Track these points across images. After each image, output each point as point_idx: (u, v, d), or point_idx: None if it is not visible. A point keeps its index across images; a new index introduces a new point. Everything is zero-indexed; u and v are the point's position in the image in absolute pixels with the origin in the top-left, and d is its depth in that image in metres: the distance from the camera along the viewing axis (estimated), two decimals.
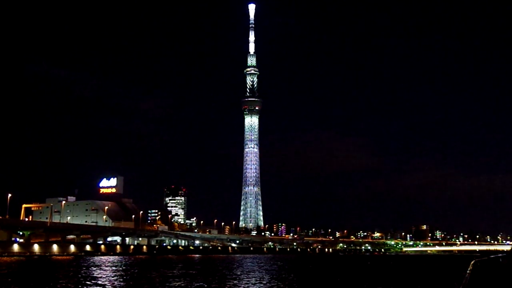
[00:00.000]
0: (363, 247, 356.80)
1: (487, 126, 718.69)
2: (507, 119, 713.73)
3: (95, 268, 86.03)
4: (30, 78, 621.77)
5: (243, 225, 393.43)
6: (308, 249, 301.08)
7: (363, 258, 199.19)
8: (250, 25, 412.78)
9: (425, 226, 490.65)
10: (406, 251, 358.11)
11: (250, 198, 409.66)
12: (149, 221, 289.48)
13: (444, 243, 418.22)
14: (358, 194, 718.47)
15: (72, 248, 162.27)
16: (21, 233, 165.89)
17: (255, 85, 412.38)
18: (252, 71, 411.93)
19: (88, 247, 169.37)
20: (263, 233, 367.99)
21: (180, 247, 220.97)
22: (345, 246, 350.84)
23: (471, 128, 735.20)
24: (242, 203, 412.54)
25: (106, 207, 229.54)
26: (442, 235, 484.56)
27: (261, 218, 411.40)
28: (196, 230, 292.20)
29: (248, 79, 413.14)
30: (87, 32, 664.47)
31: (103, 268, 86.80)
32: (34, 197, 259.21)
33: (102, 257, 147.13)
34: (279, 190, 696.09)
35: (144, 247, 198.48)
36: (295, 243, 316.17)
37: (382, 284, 65.04)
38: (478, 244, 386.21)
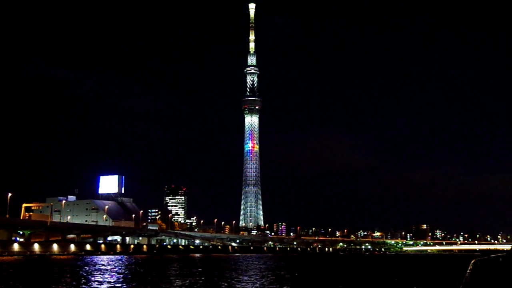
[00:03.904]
0: (363, 247, 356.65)
1: (487, 126, 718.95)
2: (507, 119, 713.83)
3: (95, 267, 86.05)
4: (30, 78, 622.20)
5: (243, 224, 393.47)
6: (308, 249, 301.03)
7: (363, 258, 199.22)
8: (250, 25, 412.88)
9: (425, 225, 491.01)
10: (406, 250, 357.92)
11: (250, 198, 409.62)
12: (149, 221, 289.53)
13: (444, 243, 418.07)
14: (358, 194, 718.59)
15: (72, 247, 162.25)
16: (21, 232, 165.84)
17: (255, 85, 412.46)
18: (252, 71, 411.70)
19: (88, 247, 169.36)
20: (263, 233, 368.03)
21: (180, 247, 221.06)
22: (345, 246, 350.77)
23: (471, 128, 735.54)
24: (242, 203, 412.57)
25: (106, 207, 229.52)
26: (442, 234, 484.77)
27: (261, 217, 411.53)
28: (196, 230, 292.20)
29: (248, 79, 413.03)
30: (87, 32, 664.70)
31: (103, 267, 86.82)
32: (34, 197, 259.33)
33: (102, 256, 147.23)
34: (279, 189, 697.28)
35: (144, 246, 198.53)
36: (295, 243, 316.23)
37: (382, 283, 65.02)
38: (478, 244, 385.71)
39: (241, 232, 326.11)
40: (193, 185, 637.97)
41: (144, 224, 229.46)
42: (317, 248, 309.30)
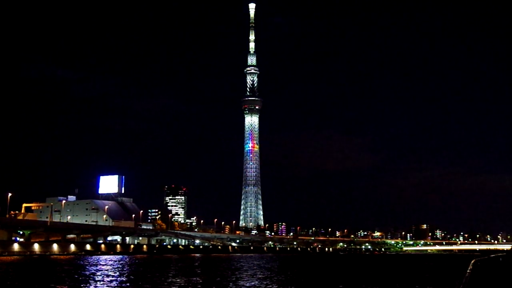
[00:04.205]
0: (363, 247, 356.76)
1: (487, 126, 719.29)
2: (507, 119, 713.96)
3: (95, 268, 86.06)
4: (30, 78, 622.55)
5: (243, 224, 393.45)
6: (308, 249, 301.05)
7: (363, 257, 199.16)
8: (250, 25, 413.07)
9: (425, 225, 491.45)
10: (406, 250, 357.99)
11: (250, 198, 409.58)
12: (149, 221, 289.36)
13: (444, 243, 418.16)
14: (358, 194, 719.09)
15: (72, 247, 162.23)
16: (21, 232, 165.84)
17: (255, 85, 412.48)
18: (252, 71, 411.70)
19: (88, 246, 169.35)
20: (263, 233, 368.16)
21: (180, 247, 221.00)
22: (345, 246, 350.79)
23: (471, 128, 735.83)
24: (242, 203, 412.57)
25: (106, 207, 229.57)
26: (442, 234, 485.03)
27: (261, 217, 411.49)
28: (196, 230, 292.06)
29: (248, 79, 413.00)
30: (87, 32, 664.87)
31: (103, 267, 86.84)
32: (34, 197, 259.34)
33: (102, 256, 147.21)
34: (279, 189, 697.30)
35: (144, 246, 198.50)
36: (295, 242, 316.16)
37: (382, 283, 65.01)
38: (478, 244, 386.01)
39: (236, 231, 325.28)
40: (193, 185, 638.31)
41: (139, 224, 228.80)
42: (317, 248, 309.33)
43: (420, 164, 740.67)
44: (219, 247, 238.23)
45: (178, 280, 62.84)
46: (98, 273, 71.69)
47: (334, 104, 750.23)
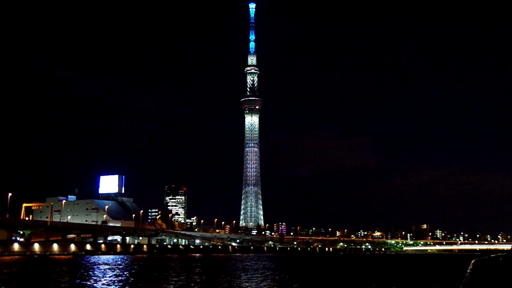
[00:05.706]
0: (363, 246, 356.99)
1: (487, 125, 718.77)
2: (507, 119, 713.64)
3: (95, 267, 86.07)
4: (30, 78, 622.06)
5: (244, 224, 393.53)
6: (309, 248, 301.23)
7: (364, 257, 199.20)
8: (251, 25, 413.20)
9: (425, 225, 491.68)
10: (406, 250, 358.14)
11: (250, 198, 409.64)
12: (149, 220, 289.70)
13: (444, 242, 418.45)
14: (358, 194, 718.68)
15: (73, 247, 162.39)
16: (21, 232, 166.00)
17: (256, 84, 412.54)
18: (253, 70, 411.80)
19: (88, 246, 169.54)
20: (263, 232, 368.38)
21: (180, 246, 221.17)
22: (345, 245, 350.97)
23: (472, 128, 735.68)
24: (242, 203, 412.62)
25: (106, 206, 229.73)
26: (443, 234, 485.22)
27: (261, 217, 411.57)
28: (196, 229, 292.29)
29: (249, 78, 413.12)
30: (87, 32, 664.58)
31: (103, 267, 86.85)
32: (35, 197, 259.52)
33: (102, 256, 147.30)
34: (279, 189, 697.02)
35: (145, 246, 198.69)
36: (295, 242, 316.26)
37: (383, 283, 65.03)
38: (478, 243, 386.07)
39: (223, 230, 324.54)
40: (193, 185, 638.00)
41: (105, 221, 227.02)
42: (317, 248, 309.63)
43: (420, 164, 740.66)
44: (219, 247, 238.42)
45: (178, 280, 62.83)
46: (98, 273, 71.69)
47: (334, 104, 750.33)
